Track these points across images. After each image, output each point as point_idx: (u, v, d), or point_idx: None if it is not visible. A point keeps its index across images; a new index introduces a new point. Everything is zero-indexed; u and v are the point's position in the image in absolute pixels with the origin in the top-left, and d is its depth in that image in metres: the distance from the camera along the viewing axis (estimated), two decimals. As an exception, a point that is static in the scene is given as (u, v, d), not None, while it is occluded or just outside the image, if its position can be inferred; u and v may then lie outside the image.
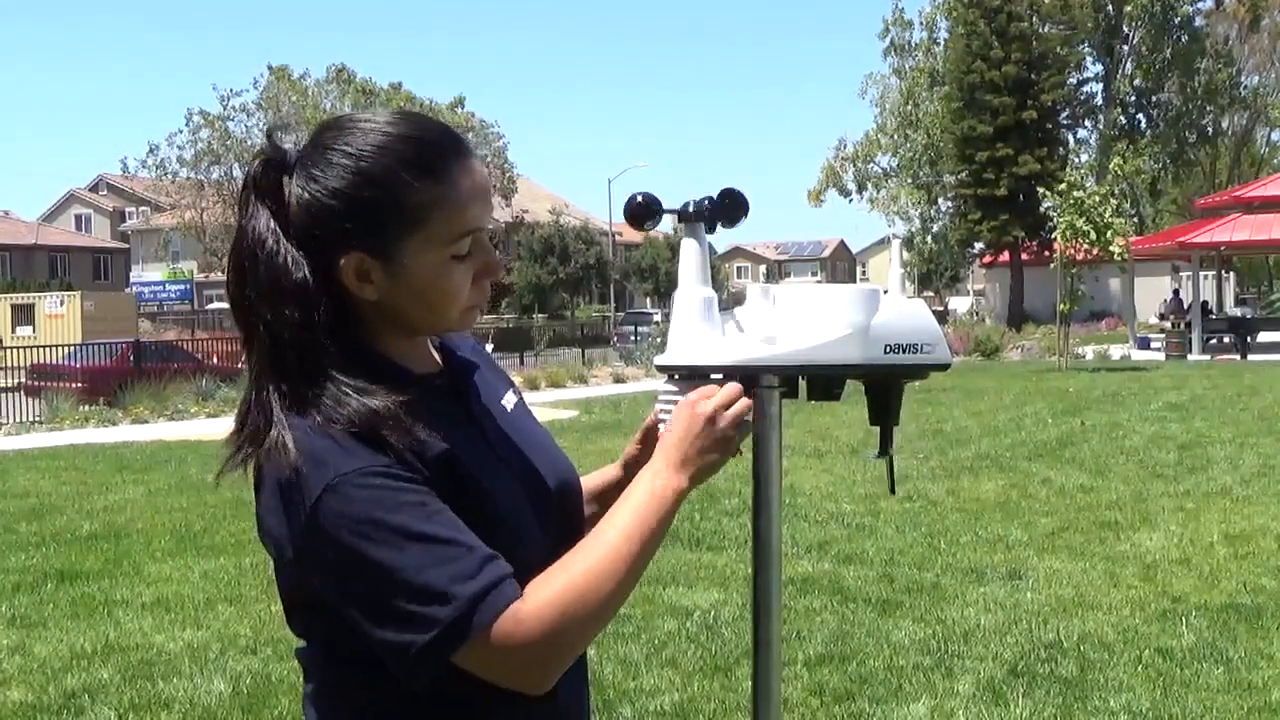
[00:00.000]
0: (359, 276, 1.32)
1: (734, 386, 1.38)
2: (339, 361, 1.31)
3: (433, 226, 1.32)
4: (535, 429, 1.54)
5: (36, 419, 18.12)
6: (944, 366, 1.45)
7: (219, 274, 53.09)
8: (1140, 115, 57.82)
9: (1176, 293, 38.78)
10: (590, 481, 1.64)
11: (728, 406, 1.36)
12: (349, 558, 1.24)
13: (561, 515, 1.44)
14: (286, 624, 1.43)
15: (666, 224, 1.48)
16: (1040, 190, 26.57)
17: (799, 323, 1.39)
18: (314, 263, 1.31)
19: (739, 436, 1.38)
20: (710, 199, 1.43)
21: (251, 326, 1.33)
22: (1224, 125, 61.39)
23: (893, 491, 1.61)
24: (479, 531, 1.29)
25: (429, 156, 1.32)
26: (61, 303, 38.84)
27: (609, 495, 1.62)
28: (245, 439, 1.33)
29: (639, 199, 1.43)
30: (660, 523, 1.33)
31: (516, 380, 1.65)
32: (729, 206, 1.42)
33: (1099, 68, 55.53)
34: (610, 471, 1.66)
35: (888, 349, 1.40)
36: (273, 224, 1.32)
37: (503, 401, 1.51)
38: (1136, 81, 56.29)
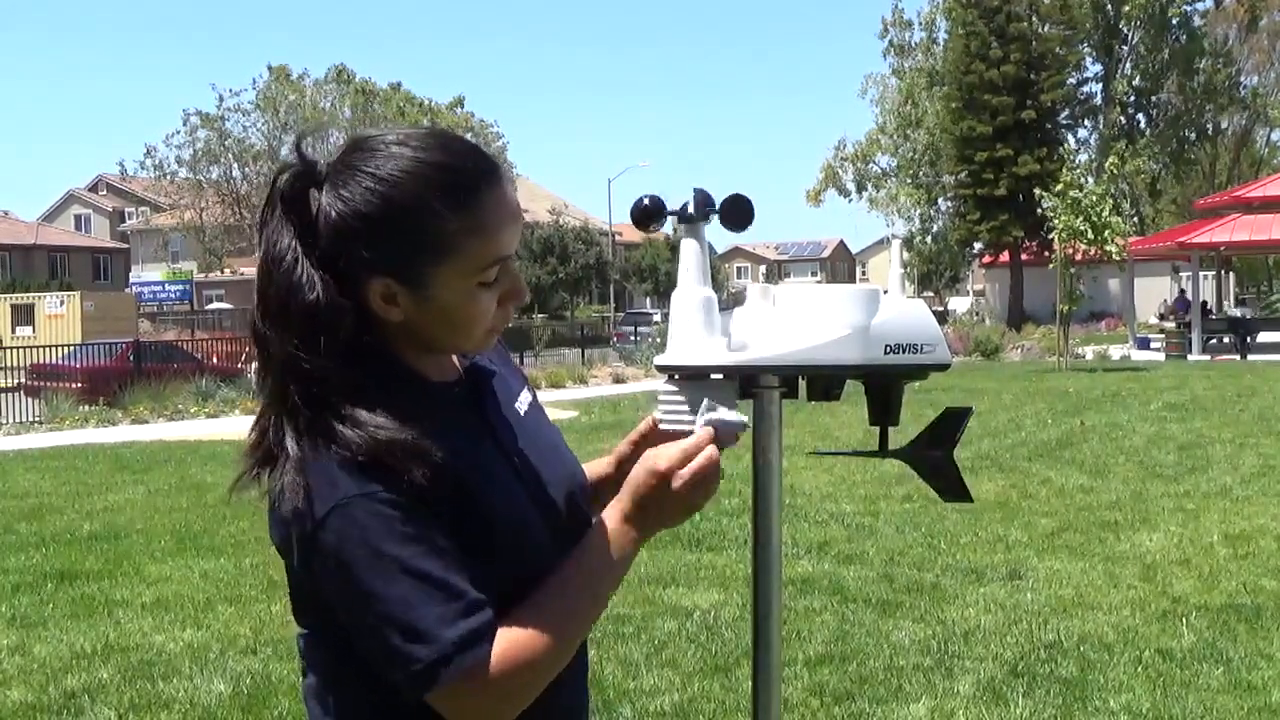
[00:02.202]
0: (385, 300, 1.33)
1: (706, 452, 1.34)
2: (347, 388, 1.30)
3: (463, 256, 1.31)
4: (547, 431, 1.55)
5: (36, 419, 18.12)
6: (944, 367, 1.45)
7: (219, 274, 53.11)
8: (1140, 115, 57.87)
9: (1182, 293, 38.74)
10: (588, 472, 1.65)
11: (685, 465, 1.33)
12: (344, 580, 1.27)
13: (571, 521, 1.45)
14: (292, 611, 1.45)
15: (667, 224, 1.47)
16: (1038, 191, 26.54)
17: (799, 323, 1.39)
18: (338, 280, 1.30)
19: (706, 491, 1.36)
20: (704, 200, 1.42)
21: (263, 350, 1.33)
22: (1223, 125, 61.41)
23: (969, 499, 1.58)
24: (484, 546, 1.32)
25: (461, 185, 1.31)
26: (61, 303, 38.86)
27: (604, 491, 1.63)
28: (258, 460, 1.34)
29: (645, 200, 1.43)
30: (617, 571, 1.36)
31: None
32: (733, 211, 1.42)
33: (1098, 68, 55.61)
34: (603, 467, 1.67)
35: (888, 349, 1.40)
36: (294, 242, 1.31)
37: (517, 404, 1.52)
38: (1136, 81, 56.34)
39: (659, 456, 1.34)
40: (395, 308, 1.33)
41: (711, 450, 1.35)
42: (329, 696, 1.41)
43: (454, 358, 1.48)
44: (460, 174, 1.32)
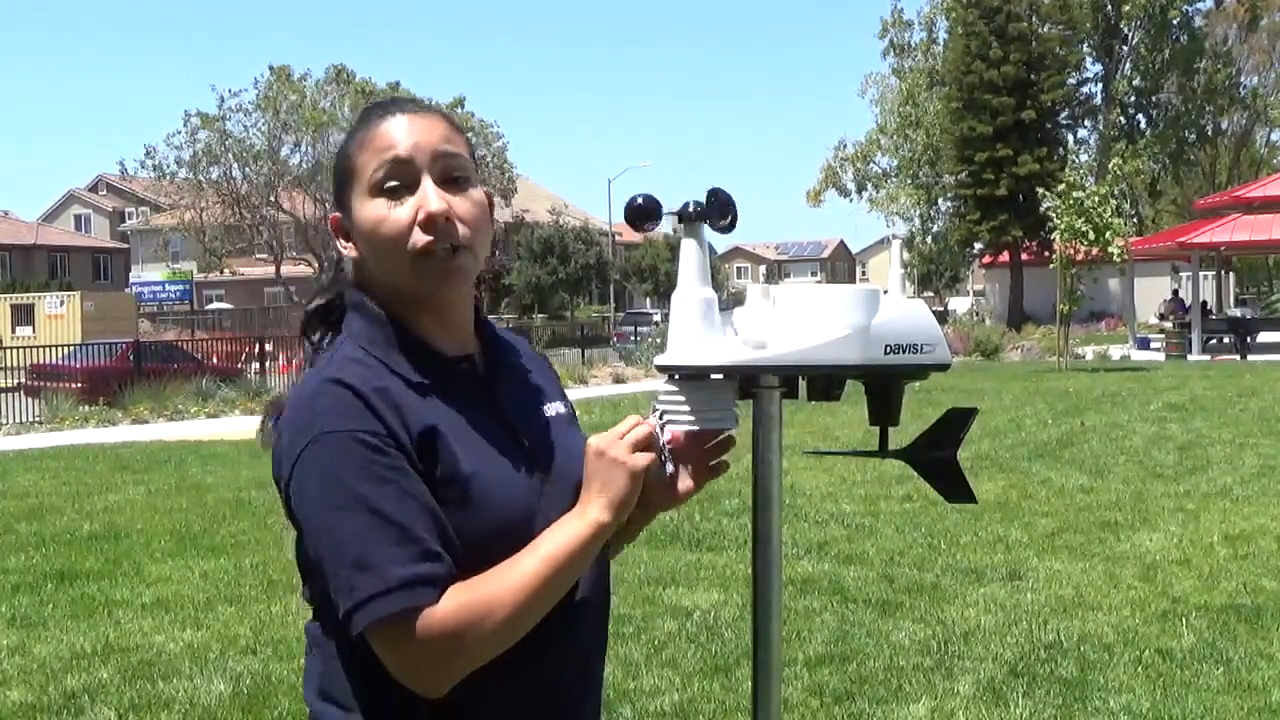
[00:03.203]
0: (342, 234, 1.49)
1: (629, 420, 1.41)
2: (334, 324, 1.48)
3: (361, 173, 1.43)
4: (572, 435, 1.57)
5: (36, 419, 18.12)
6: (944, 367, 1.45)
7: (219, 274, 53.04)
8: (1140, 115, 57.80)
9: (1176, 293, 38.76)
10: None
11: (622, 438, 1.40)
12: (309, 510, 1.34)
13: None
14: (302, 593, 1.48)
15: (667, 224, 1.47)
16: (1040, 191, 26.53)
17: (799, 323, 1.39)
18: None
19: (646, 462, 1.39)
20: (699, 202, 1.42)
21: None
22: (1223, 125, 61.34)
23: (973, 500, 1.57)
24: (457, 499, 1.37)
25: (363, 117, 1.48)
26: (61, 303, 38.86)
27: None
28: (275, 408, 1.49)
29: (639, 200, 1.43)
30: (575, 554, 1.37)
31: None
32: (716, 207, 1.42)
33: (1098, 68, 55.53)
34: None
35: (888, 349, 1.40)
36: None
37: (545, 407, 1.56)
38: (1136, 82, 56.27)
39: (599, 438, 1.41)
40: (350, 244, 1.48)
41: (639, 419, 1.42)
42: (326, 673, 1.45)
43: (473, 339, 1.52)
44: (367, 111, 1.48)
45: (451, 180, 1.43)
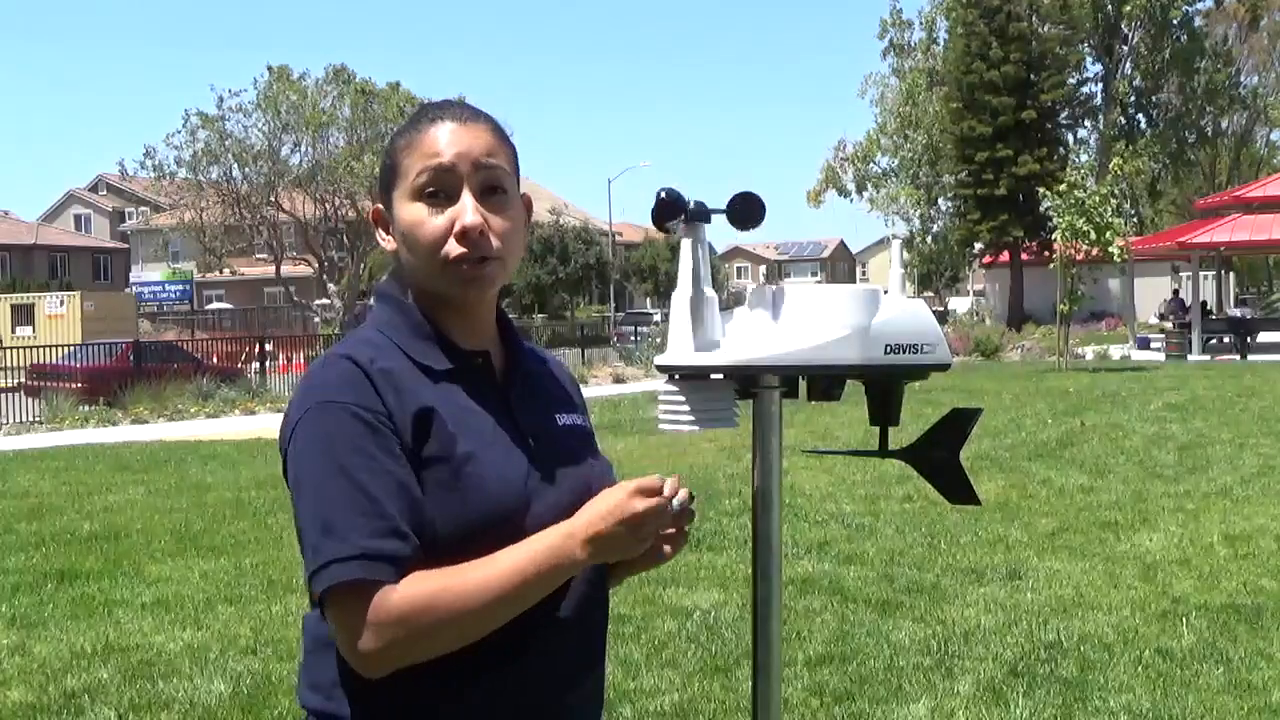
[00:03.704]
0: (382, 226, 1.53)
1: (672, 484, 1.40)
2: (372, 312, 1.51)
3: (405, 174, 1.47)
4: (587, 449, 1.57)
5: (36, 419, 18.12)
6: (944, 367, 1.45)
7: (219, 274, 52.98)
8: (1140, 115, 57.79)
9: (1176, 293, 38.76)
10: None
11: (660, 512, 1.38)
12: (296, 469, 1.38)
13: (568, 515, 1.46)
14: (305, 574, 1.48)
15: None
16: (1040, 190, 26.52)
17: (799, 323, 1.39)
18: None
19: (650, 530, 1.39)
20: (700, 201, 1.42)
21: None
22: (1224, 125, 61.34)
23: (977, 501, 1.57)
24: (446, 485, 1.38)
25: (414, 118, 1.50)
26: (61, 303, 38.88)
27: None
28: None
29: (663, 194, 1.41)
30: (544, 576, 1.37)
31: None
32: (743, 209, 1.41)
33: (1098, 68, 55.51)
34: None
35: (888, 349, 1.40)
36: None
37: (559, 414, 1.57)
38: (1136, 82, 56.26)
39: (638, 487, 1.38)
40: (388, 237, 1.52)
41: (677, 489, 1.40)
42: (317, 660, 1.46)
43: (495, 339, 1.55)
44: (415, 115, 1.51)
45: (491, 190, 1.46)
